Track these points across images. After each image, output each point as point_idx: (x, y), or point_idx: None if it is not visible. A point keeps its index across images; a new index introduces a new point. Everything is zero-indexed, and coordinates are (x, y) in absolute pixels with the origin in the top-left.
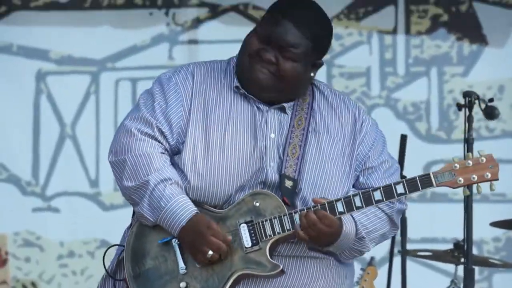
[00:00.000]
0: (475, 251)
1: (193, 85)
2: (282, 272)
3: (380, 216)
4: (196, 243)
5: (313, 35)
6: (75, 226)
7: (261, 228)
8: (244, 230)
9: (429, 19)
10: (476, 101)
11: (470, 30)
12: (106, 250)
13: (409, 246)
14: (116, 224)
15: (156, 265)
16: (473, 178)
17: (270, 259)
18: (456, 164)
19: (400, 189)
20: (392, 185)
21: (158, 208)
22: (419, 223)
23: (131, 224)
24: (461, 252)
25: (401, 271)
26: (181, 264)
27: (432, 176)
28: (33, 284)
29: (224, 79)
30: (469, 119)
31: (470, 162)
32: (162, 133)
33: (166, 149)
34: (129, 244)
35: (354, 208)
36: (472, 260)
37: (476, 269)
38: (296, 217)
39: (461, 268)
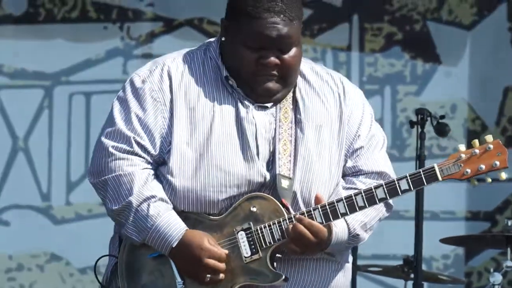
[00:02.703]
0: (424, 267)
1: (171, 87)
2: (286, 280)
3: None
4: (192, 268)
5: (296, 12)
6: (25, 239)
7: (260, 235)
8: (242, 239)
9: (383, 37)
10: (428, 118)
11: (424, 49)
12: (96, 262)
13: (359, 263)
14: (67, 238)
15: (152, 280)
16: (481, 168)
17: (272, 268)
18: (461, 154)
19: (404, 185)
20: (396, 182)
21: (145, 229)
22: (370, 240)
23: (118, 236)
24: (411, 268)
25: (351, 287)
26: (178, 279)
27: (437, 169)
28: None
29: (204, 73)
30: (421, 136)
31: (477, 150)
32: (141, 146)
33: (149, 162)
34: (122, 259)
35: (357, 209)
36: (422, 276)
37: (425, 285)
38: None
39: (410, 284)
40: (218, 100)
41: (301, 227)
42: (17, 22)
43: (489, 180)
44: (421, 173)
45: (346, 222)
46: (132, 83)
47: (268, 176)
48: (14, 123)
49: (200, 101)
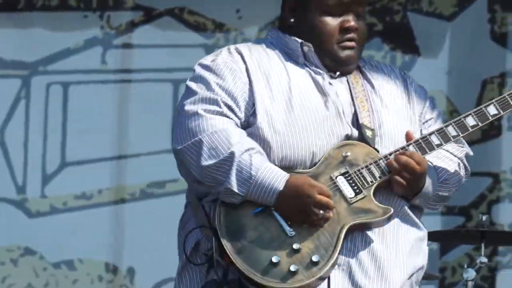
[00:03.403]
0: None
1: (243, 59)
2: (391, 216)
3: (455, 161)
4: (303, 206)
5: None
6: None
7: (360, 176)
8: (342, 182)
9: None
10: None
11: (404, 41)
12: (187, 235)
13: None
14: (42, 231)
15: (258, 235)
16: None
17: (379, 204)
18: None
19: (492, 110)
20: (483, 108)
21: (248, 179)
22: None
23: (202, 208)
24: None
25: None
26: (287, 227)
27: None
28: None
29: (269, 51)
30: None
31: None
32: (229, 107)
33: (237, 124)
34: (220, 223)
35: (451, 138)
36: None
37: None
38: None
39: None
40: (290, 69)
41: (405, 157)
42: None
43: None
44: (507, 96)
45: (434, 166)
46: (202, 65)
47: (352, 129)
48: None
49: (273, 70)
